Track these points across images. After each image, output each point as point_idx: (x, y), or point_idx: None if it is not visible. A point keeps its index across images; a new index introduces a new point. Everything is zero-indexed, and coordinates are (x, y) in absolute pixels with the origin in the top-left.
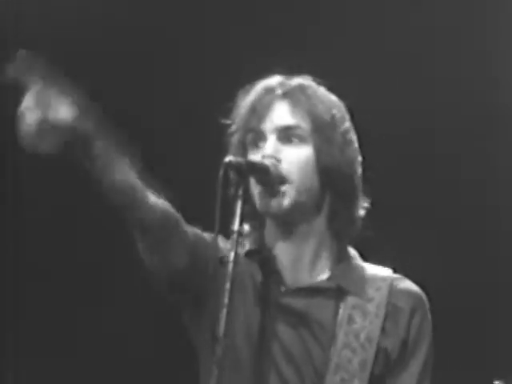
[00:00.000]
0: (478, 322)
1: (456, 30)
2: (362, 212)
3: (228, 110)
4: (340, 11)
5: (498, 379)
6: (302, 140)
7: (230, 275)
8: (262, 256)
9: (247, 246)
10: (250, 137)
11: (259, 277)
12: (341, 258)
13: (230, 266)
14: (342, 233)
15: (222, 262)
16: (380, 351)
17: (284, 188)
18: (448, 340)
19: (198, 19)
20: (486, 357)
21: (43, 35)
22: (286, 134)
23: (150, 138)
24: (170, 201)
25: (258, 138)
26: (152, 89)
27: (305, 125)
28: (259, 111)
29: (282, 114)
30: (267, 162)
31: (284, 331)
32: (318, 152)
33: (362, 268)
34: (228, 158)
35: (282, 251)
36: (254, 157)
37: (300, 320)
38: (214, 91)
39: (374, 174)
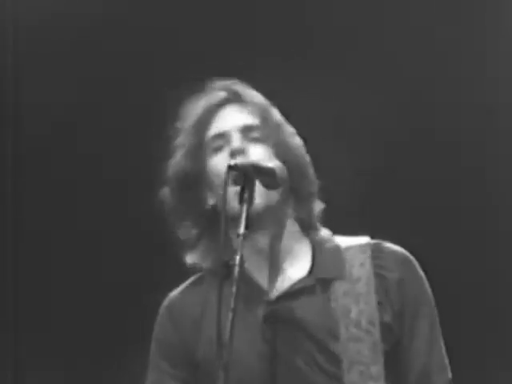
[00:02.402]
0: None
1: (456, 30)
2: (318, 209)
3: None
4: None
5: None
6: (262, 139)
7: (236, 279)
8: (241, 273)
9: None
10: (210, 140)
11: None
12: (315, 245)
13: (236, 269)
14: (308, 223)
15: (228, 265)
16: (384, 326)
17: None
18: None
19: (198, 18)
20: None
21: (43, 34)
22: (249, 133)
23: (150, 137)
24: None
25: (220, 138)
26: (152, 88)
27: (258, 123)
28: (212, 115)
29: (238, 115)
30: (272, 164)
31: (281, 344)
32: (274, 151)
33: (339, 249)
34: (233, 161)
35: (257, 259)
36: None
37: (292, 326)
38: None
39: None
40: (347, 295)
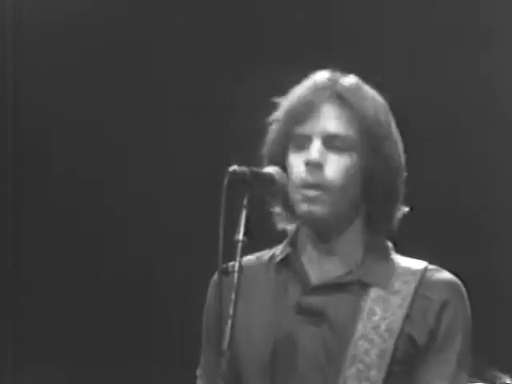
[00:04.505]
0: None
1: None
2: (400, 214)
3: (276, 104)
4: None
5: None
6: (348, 148)
7: (235, 285)
8: (290, 260)
9: (281, 249)
10: (295, 136)
11: (287, 281)
12: (371, 251)
13: (235, 276)
14: (377, 230)
15: (227, 271)
16: (403, 337)
17: (325, 197)
18: None
19: (200, 14)
20: None
21: (43, 34)
22: (333, 141)
23: (151, 134)
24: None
25: (303, 138)
26: (152, 88)
27: (352, 132)
28: (306, 111)
29: (329, 119)
30: (272, 170)
31: (305, 333)
32: (364, 160)
33: (392, 261)
34: (232, 167)
35: (314, 251)
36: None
37: (319, 318)
38: (215, 87)
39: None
40: (378, 301)
